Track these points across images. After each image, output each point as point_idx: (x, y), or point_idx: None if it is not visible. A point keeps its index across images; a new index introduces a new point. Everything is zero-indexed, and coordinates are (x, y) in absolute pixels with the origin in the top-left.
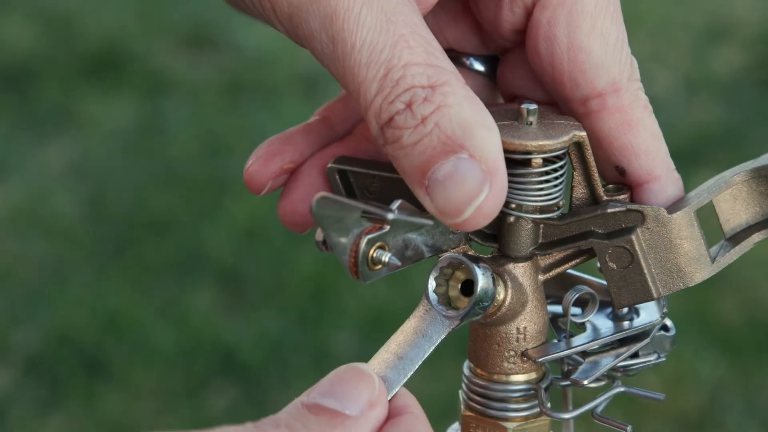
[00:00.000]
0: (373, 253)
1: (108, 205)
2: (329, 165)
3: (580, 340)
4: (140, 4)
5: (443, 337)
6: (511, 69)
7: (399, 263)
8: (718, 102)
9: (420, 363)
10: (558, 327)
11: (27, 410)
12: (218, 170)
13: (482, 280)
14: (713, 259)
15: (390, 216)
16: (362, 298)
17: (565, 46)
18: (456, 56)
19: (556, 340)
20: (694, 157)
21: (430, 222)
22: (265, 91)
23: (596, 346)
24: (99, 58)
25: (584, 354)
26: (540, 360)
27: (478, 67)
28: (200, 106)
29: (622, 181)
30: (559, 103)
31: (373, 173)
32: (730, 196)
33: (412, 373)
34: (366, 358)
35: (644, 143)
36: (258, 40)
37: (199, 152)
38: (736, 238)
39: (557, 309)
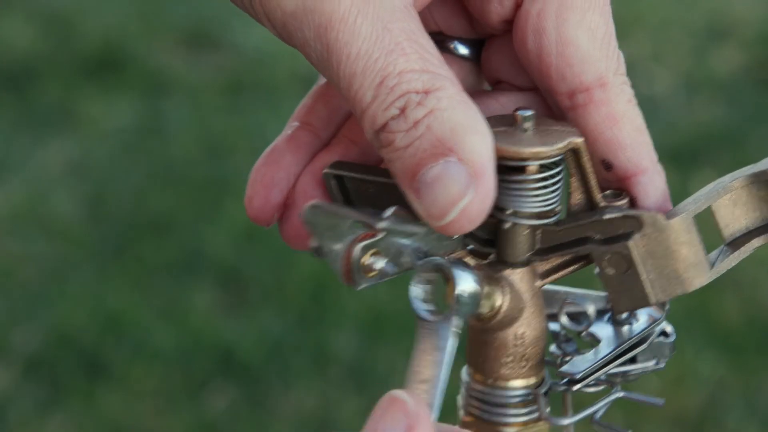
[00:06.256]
0: (367, 260)
1: (108, 205)
2: (325, 171)
3: (605, 350)
4: (140, 4)
5: (451, 340)
6: (497, 53)
7: (393, 270)
8: (718, 102)
9: (443, 375)
10: (560, 344)
11: (27, 410)
12: (218, 170)
13: (462, 282)
14: (712, 265)
15: (383, 224)
16: (362, 298)
17: (554, 39)
18: (441, 40)
19: (580, 354)
20: (694, 157)
21: (423, 229)
22: (265, 91)
23: (619, 351)
24: (99, 58)
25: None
26: (579, 376)
27: (463, 51)
28: (200, 106)
29: (609, 176)
30: (545, 95)
31: (368, 179)
32: (730, 201)
33: (439, 389)
34: (366, 358)
35: (629, 137)
36: (258, 40)
37: (199, 152)
38: (735, 244)
39: (556, 327)
